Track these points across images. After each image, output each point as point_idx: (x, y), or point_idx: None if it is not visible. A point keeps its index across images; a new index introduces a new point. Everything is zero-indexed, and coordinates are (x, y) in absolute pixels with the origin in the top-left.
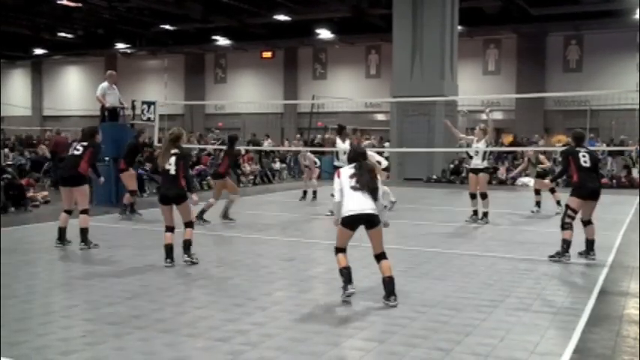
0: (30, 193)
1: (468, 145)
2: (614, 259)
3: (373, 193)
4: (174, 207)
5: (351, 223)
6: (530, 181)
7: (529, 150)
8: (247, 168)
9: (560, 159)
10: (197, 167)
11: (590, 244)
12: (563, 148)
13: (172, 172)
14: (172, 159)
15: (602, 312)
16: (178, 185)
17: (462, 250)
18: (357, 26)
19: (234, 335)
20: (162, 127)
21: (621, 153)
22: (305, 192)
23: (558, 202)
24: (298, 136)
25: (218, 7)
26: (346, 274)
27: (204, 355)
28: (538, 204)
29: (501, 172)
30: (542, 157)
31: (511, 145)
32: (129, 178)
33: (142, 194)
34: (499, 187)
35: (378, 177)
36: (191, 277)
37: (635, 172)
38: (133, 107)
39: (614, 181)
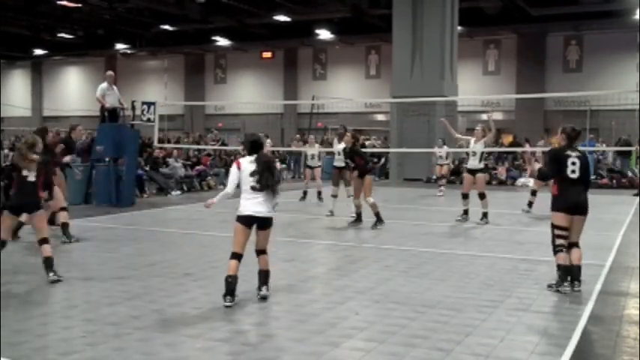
0: None
1: (460, 147)
2: (614, 260)
3: (273, 190)
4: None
5: (246, 222)
6: (529, 181)
7: (537, 151)
8: None
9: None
10: (197, 167)
11: (577, 270)
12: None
13: (31, 178)
14: (33, 165)
15: (602, 312)
16: (36, 195)
17: (461, 250)
18: (357, 26)
19: (234, 335)
20: (162, 127)
21: (624, 153)
22: (305, 192)
23: None
24: (298, 136)
25: (218, 8)
26: (231, 283)
27: (204, 356)
28: (530, 204)
29: (500, 172)
30: None
31: (511, 145)
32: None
33: (142, 195)
34: (499, 187)
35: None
36: (191, 277)
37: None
38: (133, 108)
39: (614, 181)
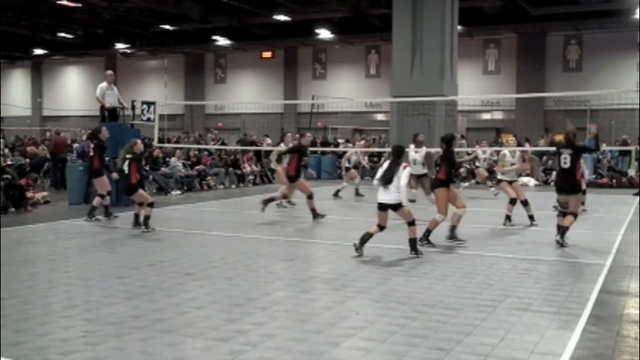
0: (30, 194)
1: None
2: (614, 259)
3: (393, 184)
4: None
5: (379, 207)
6: (529, 180)
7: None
8: (247, 168)
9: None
10: (197, 167)
11: (558, 229)
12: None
13: None
14: None
15: (602, 312)
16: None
17: (461, 249)
18: (357, 26)
19: (234, 335)
20: (162, 127)
21: (624, 153)
22: (338, 190)
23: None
24: (297, 136)
25: (218, 7)
26: (364, 235)
27: (204, 355)
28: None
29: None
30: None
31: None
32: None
33: None
34: (499, 187)
35: (404, 171)
36: (191, 277)
37: (632, 172)
38: (133, 107)
39: (614, 181)
